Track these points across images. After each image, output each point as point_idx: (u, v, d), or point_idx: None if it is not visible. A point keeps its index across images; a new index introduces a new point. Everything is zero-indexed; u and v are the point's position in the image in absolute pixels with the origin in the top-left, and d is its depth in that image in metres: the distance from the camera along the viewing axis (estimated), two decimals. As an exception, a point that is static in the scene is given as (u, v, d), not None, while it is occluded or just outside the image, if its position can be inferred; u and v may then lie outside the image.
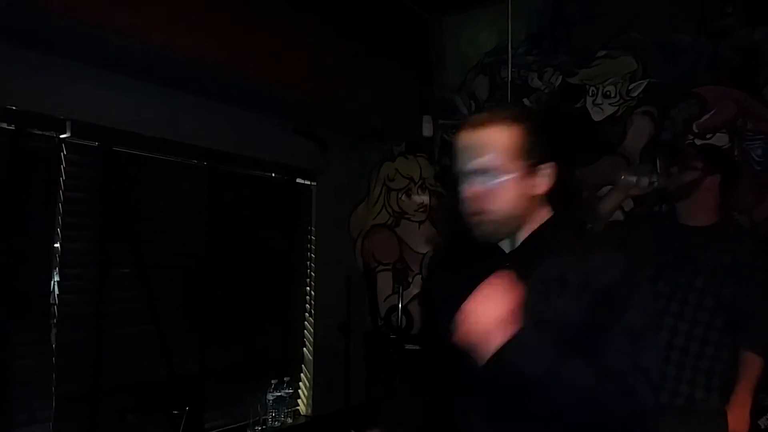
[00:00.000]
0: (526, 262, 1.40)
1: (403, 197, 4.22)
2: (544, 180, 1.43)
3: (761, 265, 2.42)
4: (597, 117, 3.59)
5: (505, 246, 1.48)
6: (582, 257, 1.38)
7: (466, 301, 1.30)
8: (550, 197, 1.48)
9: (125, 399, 2.74)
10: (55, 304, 2.60)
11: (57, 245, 2.63)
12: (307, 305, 3.93)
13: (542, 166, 1.42)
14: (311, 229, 3.95)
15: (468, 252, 1.54)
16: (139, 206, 2.81)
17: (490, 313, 1.27)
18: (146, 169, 3.01)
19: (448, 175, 1.43)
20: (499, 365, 1.26)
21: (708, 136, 3.28)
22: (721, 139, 3.25)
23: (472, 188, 1.40)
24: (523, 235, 1.46)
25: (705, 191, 2.50)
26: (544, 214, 1.47)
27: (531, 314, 1.29)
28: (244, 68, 2.87)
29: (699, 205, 2.51)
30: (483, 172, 1.39)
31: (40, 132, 2.58)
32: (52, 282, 2.61)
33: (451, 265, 1.64)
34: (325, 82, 3.33)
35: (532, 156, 1.41)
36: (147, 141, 2.96)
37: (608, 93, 3.56)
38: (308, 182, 3.93)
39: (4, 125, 2.48)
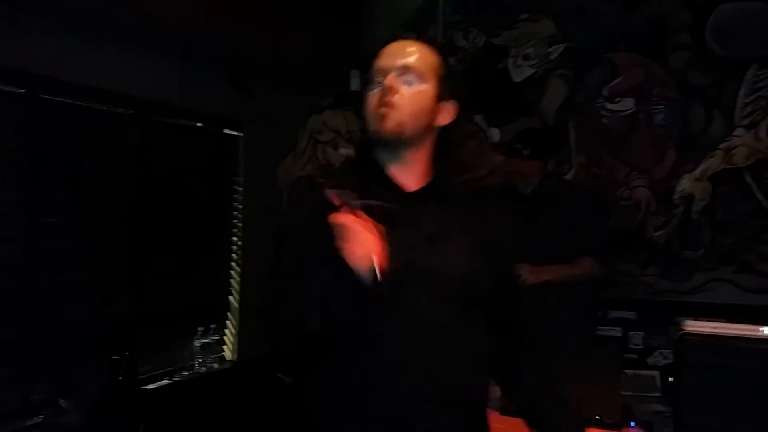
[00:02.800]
0: (434, 206, 1.51)
1: (330, 150, 4.32)
2: (445, 113, 1.53)
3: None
4: (517, 78, 3.79)
5: (402, 177, 1.52)
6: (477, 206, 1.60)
7: None
8: (445, 136, 1.57)
9: (58, 347, 2.77)
10: (-16, 253, 2.58)
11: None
12: (234, 255, 4.00)
13: (448, 101, 1.52)
14: (238, 179, 4.00)
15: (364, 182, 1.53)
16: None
17: None
18: (74, 118, 2.98)
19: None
20: None
21: (617, 99, 3.54)
22: (628, 103, 3.52)
23: (391, 80, 1.45)
24: (414, 161, 1.52)
25: None
26: (430, 147, 1.55)
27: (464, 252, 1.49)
28: (174, 15, 2.86)
29: None
30: (406, 71, 1.47)
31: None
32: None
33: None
34: (255, 33, 3.34)
35: (445, 84, 1.51)
36: (75, 88, 2.91)
37: (528, 55, 3.76)
38: (236, 133, 3.96)
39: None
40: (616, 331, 3.47)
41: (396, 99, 1.45)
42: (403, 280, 1.39)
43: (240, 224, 4.00)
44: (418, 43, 1.54)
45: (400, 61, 1.48)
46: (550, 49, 3.70)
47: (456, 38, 3.94)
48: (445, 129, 1.55)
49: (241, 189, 4.00)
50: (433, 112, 1.50)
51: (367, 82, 1.53)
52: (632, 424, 2.35)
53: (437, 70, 1.50)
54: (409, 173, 1.53)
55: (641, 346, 3.46)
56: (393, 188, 1.51)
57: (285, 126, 4.33)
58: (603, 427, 2.32)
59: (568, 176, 3.59)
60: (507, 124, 3.78)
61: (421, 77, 1.48)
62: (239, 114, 3.87)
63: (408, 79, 1.47)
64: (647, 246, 3.48)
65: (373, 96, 1.48)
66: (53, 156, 2.82)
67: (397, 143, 1.49)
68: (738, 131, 3.32)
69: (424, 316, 1.44)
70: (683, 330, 2.23)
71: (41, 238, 2.79)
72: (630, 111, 3.51)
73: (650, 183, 3.48)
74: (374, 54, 1.53)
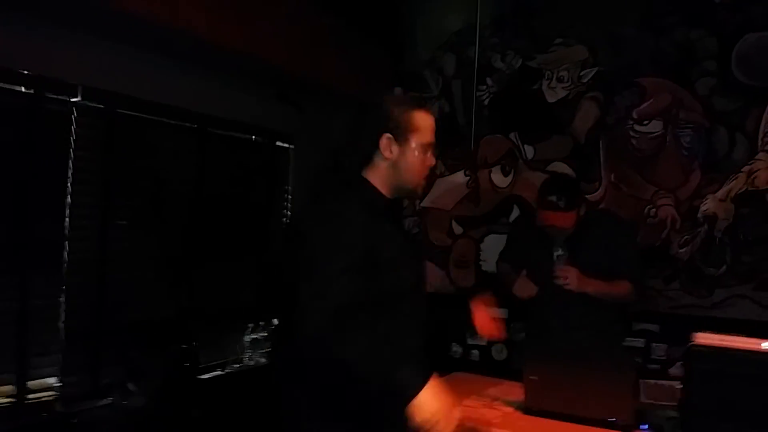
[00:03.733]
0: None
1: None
2: None
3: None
4: (551, 99, 4.00)
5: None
6: None
7: None
8: None
9: (127, 337, 3.08)
10: (65, 251, 2.91)
11: (68, 199, 2.92)
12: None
13: None
14: (288, 188, 4.29)
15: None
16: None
17: None
18: (144, 131, 3.30)
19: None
20: None
21: (645, 122, 3.72)
22: (656, 126, 3.69)
23: (434, 159, 1.97)
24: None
25: None
26: None
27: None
28: (232, 41, 3.16)
29: None
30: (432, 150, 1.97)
31: (54, 96, 2.85)
32: (64, 231, 2.91)
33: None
34: (305, 53, 3.64)
35: None
36: (146, 104, 3.24)
37: (562, 77, 3.96)
38: (287, 145, 4.26)
39: (23, 89, 2.73)
40: (639, 342, 3.65)
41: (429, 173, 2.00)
42: None
43: (288, 229, 4.30)
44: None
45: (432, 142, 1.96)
46: (583, 73, 3.90)
47: (493, 60, 4.18)
48: None
49: (290, 197, 4.29)
50: None
51: (404, 136, 1.90)
52: (644, 427, 2.55)
53: None
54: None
55: (663, 357, 3.63)
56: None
57: (332, 139, 4.61)
58: (617, 429, 2.53)
59: (597, 193, 3.78)
60: (540, 142, 4.01)
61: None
62: (290, 128, 4.17)
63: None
64: (671, 262, 3.64)
65: (423, 162, 1.94)
66: (125, 165, 3.14)
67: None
68: (760, 155, 3.45)
69: None
70: (693, 342, 2.42)
71: (113, 239, 3.11)
72: (658, 133, 3.69)
73: (675, 202, 3.64)
74: (421, 119, 1.92)
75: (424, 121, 1.92)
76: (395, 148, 1.89)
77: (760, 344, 2.31)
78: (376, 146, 1.89)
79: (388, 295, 1.83)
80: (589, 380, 2.47)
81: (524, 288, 2.98)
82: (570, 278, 2.83)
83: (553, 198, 2.81)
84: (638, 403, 2.74)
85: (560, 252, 2.88)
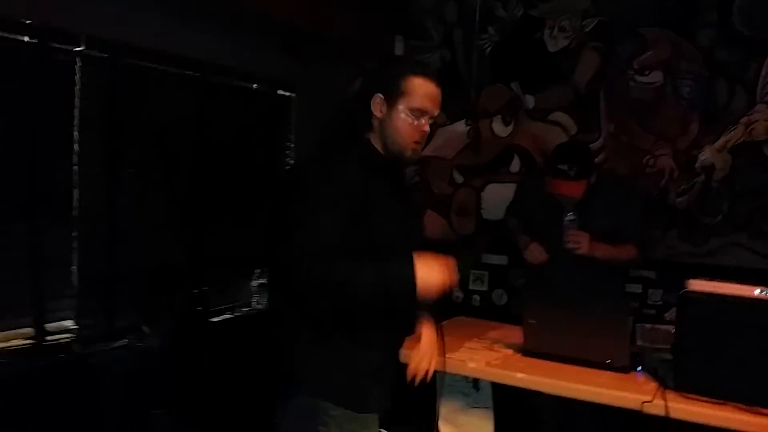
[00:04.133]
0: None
1: (374, 110, 4.61)
2: None
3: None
4: (552, 48, 4.02)
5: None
6: None
7: None
8: None
9: (139, 280, 3.18)
10: (75, 198, 2.97)
11: (75, 147, 2.97)
12: (285, 205, 4.36)
13: None
14: (291, 136, 4.33)
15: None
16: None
17: None
18: (147, 80, 3.33)
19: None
20: None
21: (646, 72, 3.75)
22: (656, 76, 3.73)
23: (427, 127, 1.98)
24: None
25: None
26: None
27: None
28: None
29: None
30: (432, 117, 1.99)
31: (58, 45, 2.86)
32: (72, 179, 2.97)
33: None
34: (306, 3, 3.66)
35: None
36: (149, 53, 3.26)
37: (563, 27, 3.97)
38: (289, 93, 4.28)
39: (26, 39, 2.75)
40: (636, 288, 3.77)
41: (423, 138, 2.00)
42: None
43: (291, 177, 4.35)
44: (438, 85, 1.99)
45: (434, 111, 1.97)
46: (584, 22, 3.91)
47: (495, 8, 4.17)
48: None
49: (292, 145, 4.33)
50: None
51: (393, 99, 1.94)
52: (639, 368, 2.67)
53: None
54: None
55: (659, 303, 3.75)
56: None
57: (333, 87, 4.62)
58: (613, 370, 2.65)
59: (597, 143, 3.83)
60: (541, 92, 4.04)
61: (434, 119, 2.01)
62: (292, 77, 4.18)
63: (429, 120, 1.98)
64: (669, 211, 3.73)
65: (411, 126, 1.95)
66: (130, 114, 3.17)
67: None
68: (758, 107, 3.51)
69: None
70: (686, 288, 2.52)
71: (121, 186, 3.17)
72: (658, 84, 3.72)
73: (674, 152, 3.70)
74: (413, 84, 1.94)
75: (418, 87, 1.95)
76: (384, 109, 1.95)
77: (751, 291, 2.41)
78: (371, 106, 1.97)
79: (376, 245, 1.91)
80: (586, 324, 2.57)
81: (536, 255, 3.06)
82: (582, 243, 2.90)
83: (564, 167, 2.82)
84: (634, 346, 2.85)
85: (571, 217, 2.94)
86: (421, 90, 1.95)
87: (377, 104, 1.95)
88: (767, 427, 2.20)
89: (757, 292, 2.39)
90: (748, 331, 2.33)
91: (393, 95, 1.94)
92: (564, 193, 2.88)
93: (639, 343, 3.07)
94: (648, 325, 3.42)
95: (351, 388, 1.96)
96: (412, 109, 1.94)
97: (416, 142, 1.97)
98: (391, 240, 1.95)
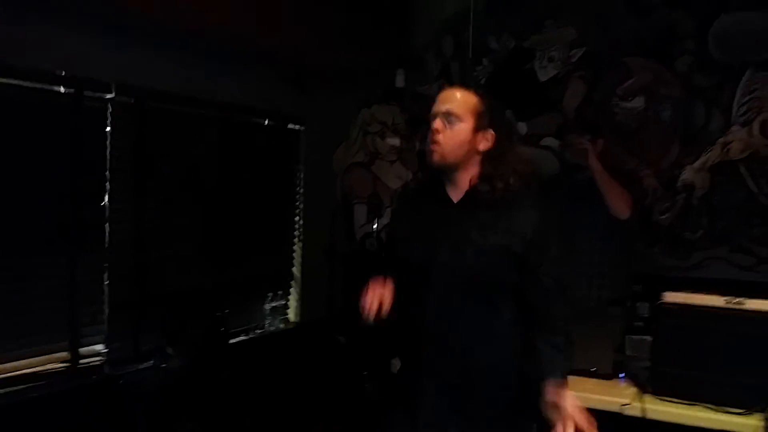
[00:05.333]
0: (467, 211, 2.07)
1: (378, 139, 4.91)
2: (483, 141, 2.05)
3: None
4: (542, 77, 4.28)
5: (451, 192, 2.10)
6: (506, 208, 2.04)
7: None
8: (487, 157, 2.08)
9: (163, 306, 3.46)
10: (106, 232, 3.27)
11: (107, 185, 3.27)
12: (296, 232, 4.65)
13: (486, 131, 2.05)
14: (300, 167, 4.63)
15: (426, 194, 2.19)
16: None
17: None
18: (171, 121, 3.63)
19: (423, 123, 2.18)
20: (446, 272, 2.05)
21: (629, 98, 4.00)
22: (639, 102, 3.98)
23: (438, 122, 2.02)
24: (461, 180, 2.06)
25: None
26: (477, 167, 2.06)
27: (472, 244, 2.03)
28: (243, 30, 3.48)
29: None
30: (448, 114, 2.01)
31: (91, 93, 3.18)
32: (104, 214, 3.26)
33: (413, 203, 2.28)
34: (311, 40, 3.93)
35: (481, 120, 2.03)
36: (172, 97, 3.58)
37: (552, 57, 4.24)
38: (297, 126, 4.58)
39: (62, 89, 3.06)
40: (624, 301, 3.98)
41: (440, 138, 2.03)
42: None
43: (301, 205, 4.64)
44: (461, 90, 2.09)
45: (445, 107, 2.05)
46: (572, 53, 4.17)
47: (489, 41, 4.45)
48: (488, 152, 2.06)
49: (301, 175, 4.62)
50: (472, 142, 2.05)
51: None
52: (621, 375, 2.92)
53: (474, 109, 2.04)
54: (454, 188, 2.11)
55: (647, 315, 3.96)
56: (443, 199, 2.12)
57: (339, 119, 4.93)
58: (598, 377, 2.89)
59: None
60: (533, 119, 4.31)
61: (459, 117, 2.03)
62: (300, 111, 4.49)
63: (450, 120, 2.03)
64: (653, 227, 3.94)
65: (429, 132, 2.05)
66: (156, 152, 3.48)
67: (445, 168, 2.08)
68: (734, 128, 3.72)
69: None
70: (661, 300, 2.78)
71: (148, 219, 3.47)
72: (640, 108, 3.95)
73: (657, 172, 3.92)
74: (432, 99, 2.10)
75: (439, 95, 2.10)
76: None
77: (720, 301, 2.66)
78: None
79: (401, 266, 2.15)
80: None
81: None
82: (589, 147, 3.21)
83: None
84: (623, 356, 3.08)
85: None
86: (438, 98, 2.08)
87: None
88: (735, 425, 2.45)
89: (723, 302, 2.64)
90: (717, 338, 2.58)
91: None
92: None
93: (628, 353, 3.27)
94: (636, 337, 3.62)
95: None
96: (431, 117, 2.06)
97: (433, 143, 2.03)
98: (413, 259, 2.14)
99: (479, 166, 2.08)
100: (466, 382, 2.06)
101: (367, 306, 2.01)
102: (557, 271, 2.06)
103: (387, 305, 2.03)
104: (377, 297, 2.02)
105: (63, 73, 3.04)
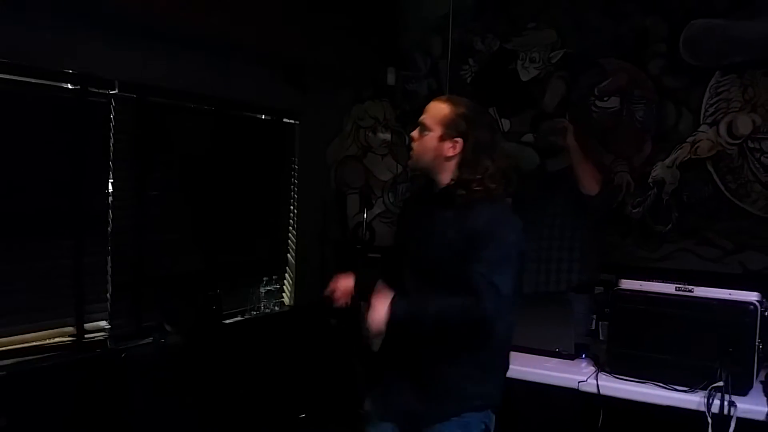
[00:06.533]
0: (438, 209, 2.28)
1: (370, 134, 5.14)
2: (450, 149, 2.21)
3: None
4: (524, 77, 4.50)
5: (434, 194, 2.31)
6: (465, 209, 2.20)
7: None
8: (462, 163, 2.24)
9: (162, 286, 3.70)
10: (110, 218, 3.52)
11: (110, 175, 3.51)
12: (291, 220, 4.90)
13: (454, 139, 2.21)
14: (295, 159, 4.86)
15: (419, 195, 2.47)
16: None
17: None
18: (170, 115, 3.87)
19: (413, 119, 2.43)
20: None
21: (605, 98, 4.22)
22: (614, 102, 4.19)
23: (415, 132, 2.28)
24: (440, 182, 2.25)
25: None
26: (451, 172, 2.23)
27: (440, 237, 2.24)
28: (241, 28, 3.69)
29: None
30: (421, 124, 2.25)
31: (95, 90, 3.42)
32: (108, 201, 3.51)
33: (410, 203, 2.61)
34: (306, 39, 4.18)
35: (448, 129, 2.20)
36: (170, 92, 3.81)
37: (534, 59, 4.46)
38: (293, 121, 4.81)
39: (69, 86, 3.30)
40: (598, 290, 4.19)
41: (414, 145, 2.30)
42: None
43: (296, 195, 4.88)
44: (438, 101, 2.30)
45: (421, 117, 2.27)
46: (552, 54, 4.38)
47: (474, 43, 4.67)
48: (462, 158, 2.22)
49: (296, 167, 4.86)
50: (438, 149, 2.21)
51: None
52: (583, 355, 3.14)
53: (443, 120, 2.23)
54: (436, 190, 2.31)
55: (612, 301, 4.17)
56: (425, 200, 2.36)
57: (333, 115, 5.16)
58: (561, 357, 3.11)
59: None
60: (515, 116, 4.53)
61: (428, 127, 2.25)
62: (296, 107, 4.72)
63: (422, 129, 2.27)
64: (626, 221, 4.16)
65: None
66: (156, 144, 3.72)
67: (420, 173, 2.35)
68: (702, 128, 3.95)
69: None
70: (618, 286, 2.99)
71: (148, 206, 3.71)
72: (615, 108, 4.17)
73: (630, 169, 4.15)
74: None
75: None
76: None
77: (671, 288, 2.88)
78: None
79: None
80: (537, 318, 3.05)
81: None
82: (567, 125, 3.42)
83: None
84: (588, 339, 3.31)
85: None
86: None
87: None
88: (681, 401, 2.66)
89: (674, 288, 2.85)
90: (666, 322, 2.79)
91: None
92: None
93: (601, 338, 3.48)
94: (604, 323, 3.83)
95: None
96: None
97: (410, 150, 2.30)
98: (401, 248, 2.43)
99: (457, 168, 2.24)
100: (420, 361, 2.29)
101: (329, 294, 2.39)
102: (494, 275, 2.08)
103: (346, 295, 2.40)
104: (340, 288, 2.41)
105: (70, 71, 3.28)
